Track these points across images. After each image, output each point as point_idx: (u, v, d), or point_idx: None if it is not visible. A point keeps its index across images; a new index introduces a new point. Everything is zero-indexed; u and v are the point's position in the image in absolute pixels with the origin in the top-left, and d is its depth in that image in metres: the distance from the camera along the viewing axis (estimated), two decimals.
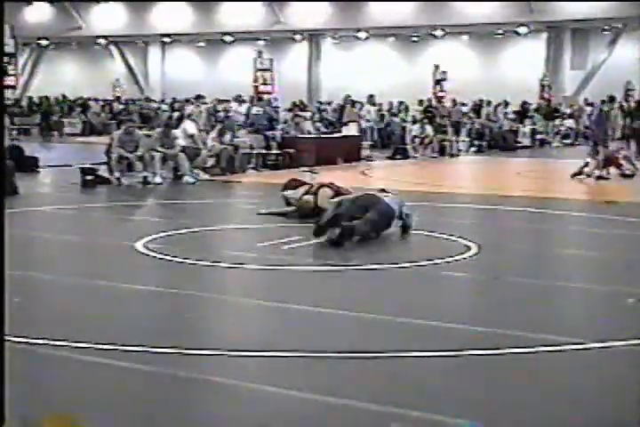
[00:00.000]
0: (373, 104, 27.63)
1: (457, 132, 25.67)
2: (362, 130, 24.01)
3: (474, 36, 40.25)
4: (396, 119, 26.24)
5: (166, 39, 43.64)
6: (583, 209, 12.34)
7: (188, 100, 28.38)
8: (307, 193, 10.91)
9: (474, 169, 21.62)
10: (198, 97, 23.72)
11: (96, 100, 36.50)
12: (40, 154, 18.41)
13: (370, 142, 23.53)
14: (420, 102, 29.73)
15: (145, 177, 14.93)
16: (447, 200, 13.13)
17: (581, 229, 10.98)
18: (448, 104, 29.47)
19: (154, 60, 46.68)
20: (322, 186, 10.98)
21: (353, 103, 26.66)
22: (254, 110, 22.75)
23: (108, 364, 4.89)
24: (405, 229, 9.47)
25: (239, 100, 24.23)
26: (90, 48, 46.04)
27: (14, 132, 25.94)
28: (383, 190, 9.85)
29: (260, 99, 24.67)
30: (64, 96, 37.46)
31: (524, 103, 32.00)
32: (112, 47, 45.89)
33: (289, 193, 11.20)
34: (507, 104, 30.71)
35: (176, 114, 22.44)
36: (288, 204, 11.23)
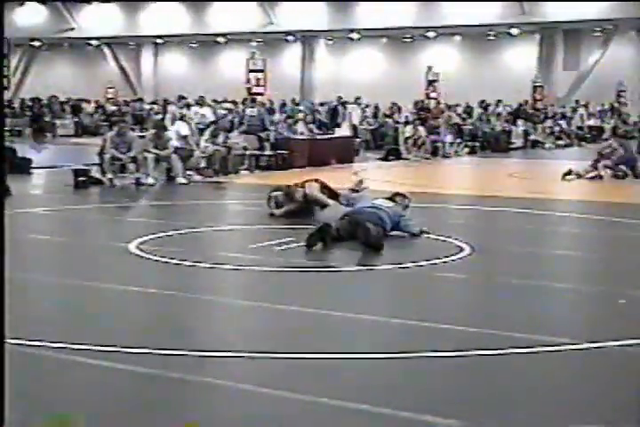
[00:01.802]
0: (365, 106, 27.70)
1: (460, 134, 25.61)
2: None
3: (466, 38, 40.31)
4: (389, 120, 26.25)
5: (159, 40, 43.64)
6: (576, 210, 12.37)
7: (166, 101, 28.32)
8: (295, 186, 11.08)
9: (467, 170, 21.64)
10: (180, 98, 23.65)
11: (88, 101, 36.43)
12: (32, 155, 18.38)
13: (358, 140, 23.56)
14: (416, 104, 29.81)
15: (137, 178, 14.93)
16: (440, 201, 13.15)
17: (574, 230, 11.01)
18: (442, 106, 29.53)
19: (146, 61, 46.66)
20: (307, 181, 11.16)
21: (344, 104, 26.73)
22: (248, 111, 22.72)
23: (103, 366, 4.89)
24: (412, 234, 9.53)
25: (199, 102, 24.09)
26: (82, 49, 45.99)
27: (6, 134, 25.85)
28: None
29: (253, 100, 24.62)
30: (56, 97, 37.40)
31: (521, 105, 32.04)
32: (105, 49, 45.85)
33: (275, 193, 11.23)
34: (498, 105, 30.81)
35: (168, 115, 22.35)
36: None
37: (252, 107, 23.06)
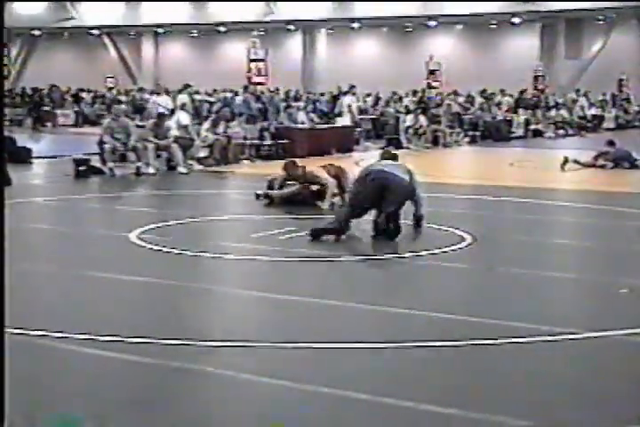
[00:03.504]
0: (366, 95, 27.59)
1: (459, 123, 25.57)
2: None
3: (467, 27, 40.20)
4: (390, 109, 26.17)
5: (159, 30, 43.52)
6: (576, 199, 12.36)
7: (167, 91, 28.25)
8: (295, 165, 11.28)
9: (467, 159, 21.62)
10: (186, 86, 23.55)
11: (89, 90, 36.37)
12: (32, 145, 18.36)
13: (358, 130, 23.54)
14: (414, 93, 29.71)
15: (138, 167, 14.91)
16: (440, 191, 13.12)
17: (574, 219, 10.99)
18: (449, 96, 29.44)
19: (147, 50, 46.56)
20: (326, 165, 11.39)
21: (345, 93, 26.66)
22: (238, 100, 22.67)
23: (104, 355, 4.89)
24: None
25: (157, 91, 23.78)
26: (82, 39, 45.89)
27: (6, 123, 25.80)
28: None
29: (245, 88, 24.54)
30: (56, 87, 37.34)
31: (521, 92, 31.97)
32: (105, 38, 45.74)
33: (275, 176, 11.34)
34: (504, 94, 30.73)
35: (179, 103, 22.26)
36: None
37: (237, 95, 23.00)
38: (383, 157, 9.72)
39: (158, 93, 23.18)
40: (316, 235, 8.52)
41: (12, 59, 42.78)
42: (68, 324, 5.49)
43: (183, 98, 21.50)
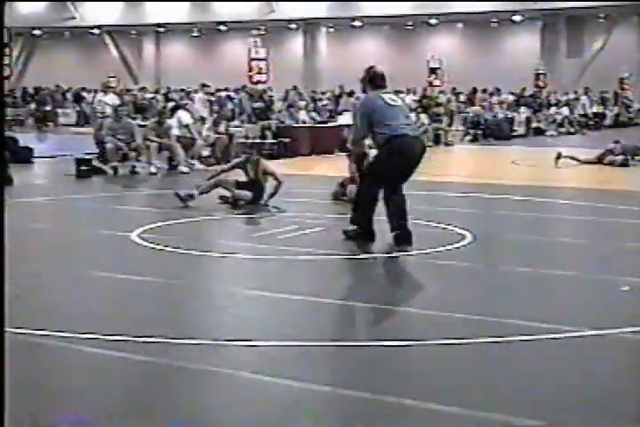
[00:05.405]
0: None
1: (451, 121, 25.60)
2: None
3: (468, 25, 40.17)
4: None
5: (160, 29, 43.53)
6: (577, 197, 12.36)
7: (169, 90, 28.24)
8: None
9: (469, 158, 21.61)
10: (203, 86, 23.65)
11: (89, 90, 36.36)
12: (34, 145, 18.36)
13: None
14: (410, 91, 29.69)
15: (133, 166, 14.93)
16: (441, 189, 13.14)
17: (575, 217, 10.99)
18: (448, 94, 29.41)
19: (148, 50, 46.57)
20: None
21: (349, 93, 26.65)
22: (235, 100, 22.74)
23: (106, 354, 4.89)
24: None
25: (104, 89, 23.54)
26: (84, 38, 45.92)
27: (9, 123, 25.85)
28: None
29: (243, 86, 24.60)
30: (59, 86, 37.35)
31: (523, 90, 31.94)
32: (106, 37, 45.76)
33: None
34: (499, 91, 30.71)
35: (170, 104, 22.30)
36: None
37: (233, 94, 23.06)
38: (378, 85, 8.95)
39: (104, 92, 22.99)
40: (347, 237, 8.40)
41: (13, 59, 42.77)
42: (70, 323, 5.49)
43: (201, 97, 21.53)
